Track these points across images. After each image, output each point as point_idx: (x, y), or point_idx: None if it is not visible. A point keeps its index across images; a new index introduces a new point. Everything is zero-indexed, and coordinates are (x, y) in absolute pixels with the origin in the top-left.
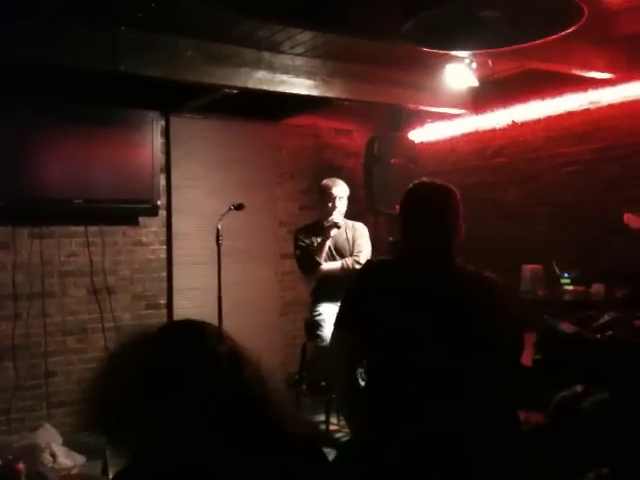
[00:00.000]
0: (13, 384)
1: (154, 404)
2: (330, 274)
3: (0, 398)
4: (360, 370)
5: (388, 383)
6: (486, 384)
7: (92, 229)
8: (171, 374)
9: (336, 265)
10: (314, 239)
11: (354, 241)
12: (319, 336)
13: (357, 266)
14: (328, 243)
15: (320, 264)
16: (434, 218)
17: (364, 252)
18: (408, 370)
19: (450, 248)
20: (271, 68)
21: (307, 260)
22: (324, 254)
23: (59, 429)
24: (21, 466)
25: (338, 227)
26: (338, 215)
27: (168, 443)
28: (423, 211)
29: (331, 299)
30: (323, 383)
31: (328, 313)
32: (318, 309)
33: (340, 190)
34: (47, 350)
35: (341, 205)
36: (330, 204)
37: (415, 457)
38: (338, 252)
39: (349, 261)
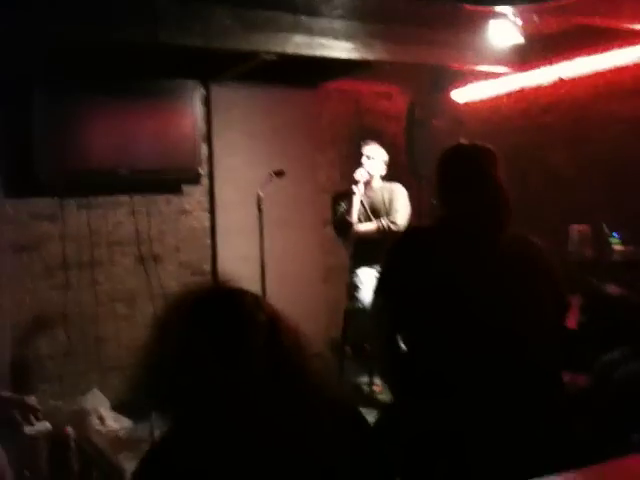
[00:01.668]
0: (65, 350)
1: (193, 371)
2: (366, 235)
3: (53, 364)
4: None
5: (428, 357)
6: (531, 350)
7: (137, 198)
8: (209, 341)
9: (371, 226)
10: (350, 202)
11: (390, 202)
12: (356, 298)
13: (393, 227)
14: (356, 201)
15: (352, 224)
16: (476, 181)
17: (400, 213)
18: (448, 340)
19: (496, 213)
20: (309, 32)
21: (339, 221)
22: (355, 213)
23: (110, 394)
24: (69, 430)
25: (357, 184)
26: (361, 173)
27: (206, 412)
28: (465, 174)
29: (368, 262)
30: (366, 346)
31: (364, 276)
32: (356, 272)
33: (370, 150)
34: (97, 317)
35: (370, 165)
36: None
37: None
38: (374, 213)
39: (384, 222)
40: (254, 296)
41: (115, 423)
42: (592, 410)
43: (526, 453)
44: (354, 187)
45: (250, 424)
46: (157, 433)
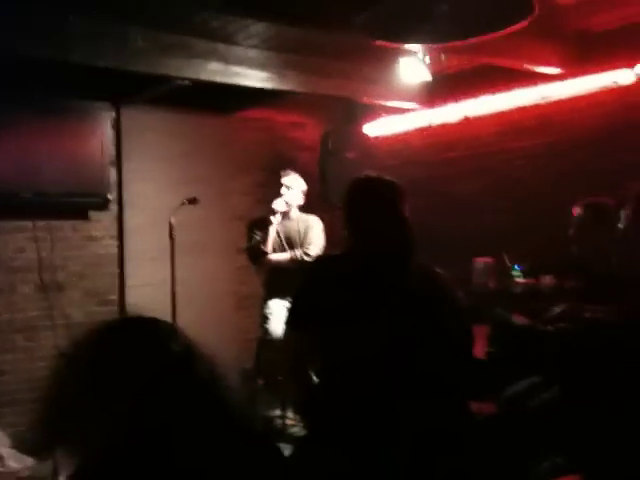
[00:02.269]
0: None
1: (104, 404)
2: (279, 265)
3: None
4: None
5: (341, 383)
6: (437, 380)
7: (40, 224)
8: (122, 373)
9: (285, 256)
10: (265, 231)
11: (305, 233)
12: (266, 329)
13: (306, 258)
14: (272, 231)
15: (266, 253)
16: (382, 211)
17: (314, 244)
18: (358, 371)
19: (401, 244)
20: (224, 59)
21: (254, 250)
22: (270, 243)
23: (8, 429)
24: None
25: (275, 213)
26: (279, 203)
27: (120, 445)
28: (371, 204)
29: (280, 293)
30: (279, 378)
31: (276, 306)
32: (268, 303)
33: (289, 180)
34: None
35: (288, 194)
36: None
37: (372, 459)
38: (289, 244)
39: (298, 252)
40: (168, 325)
41: (16, 463)
42: (500, 437)
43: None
44: (272, 217)
45: (165, 459)
46: (61, 471)
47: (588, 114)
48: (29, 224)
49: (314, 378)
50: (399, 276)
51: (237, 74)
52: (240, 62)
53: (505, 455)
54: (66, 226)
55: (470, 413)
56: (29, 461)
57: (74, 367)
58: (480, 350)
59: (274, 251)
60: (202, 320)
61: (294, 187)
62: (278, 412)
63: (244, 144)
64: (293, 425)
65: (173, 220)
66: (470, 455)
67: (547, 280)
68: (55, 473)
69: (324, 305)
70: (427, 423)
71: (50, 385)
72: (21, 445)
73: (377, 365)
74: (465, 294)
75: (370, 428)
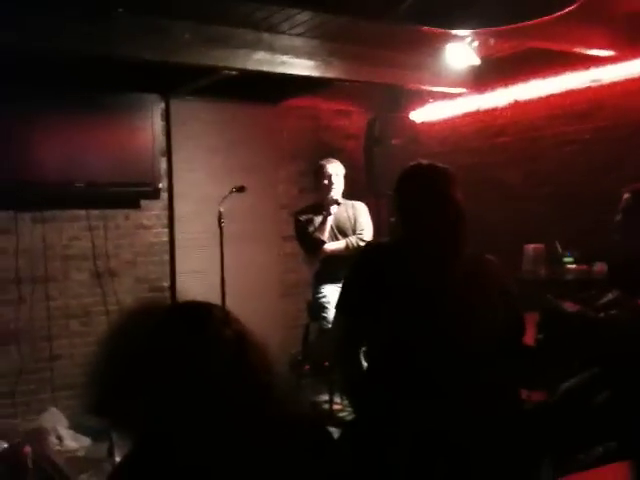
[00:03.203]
0: (18, 368)
1: (156, 388)
2: (334, 254)
3: (5, 382)
4: (364, 349)
5: (389, 370)
6: (487, 370)
7: (94, 213)
8: (175, 357)
9: (340, 244)
10: (315, 219)
11: (355, 219)
12: (324, 318)
13: (362, 244)
14: (330, 221)
15: (324, 242)
16: (435, 198)
17: (367, 230)
18: (407, 360)
19: (454, 232)
20: (270, 49)
21: (310, 240)
22: (327, 232)
23: (64, 412)
24: (28, 449)
25: (338, 204)
26: (337, 192)
27: (171, 429)
28: (424, 191)
29: (334, 280)
30: (326, 364)
31: (332, 295)
32: (322, 291)
33: (334, 168)
34: (51, 334)
35: (337, 182)
36: (326, 182)
37: (417, 454)
38: (340, 231)
39: (353, 239)
40: (222, 311)
41: (73, 442)
42: (551, 425)
43: (484, 469)
44: (330, 207)
45: (214, 442)
46: (117, 451)
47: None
48: (83, 213)
49: (364, 363)
50: (451, 264)
51: (283, 63)
52: (286, 51)
53: (555, 441)
54: (119, 215)
55: (520, 400)
56: (86, 441)
57: (128, 349)
58: (530, 338)
59: (326, 240)
60: (249, 306)
61: (340, 173)
62: (325, 397)
63: (289, 133)
64: (340, 410)
65: (221, 208)
66: (508, 441)
67: (599, 267)
68: (110, 454)
69: (375, 291)
70: (477, 409)
71: (100, 367)
72: (78, 426)
73: (427, 351)
74: (516, 281)
75: (420, 412)
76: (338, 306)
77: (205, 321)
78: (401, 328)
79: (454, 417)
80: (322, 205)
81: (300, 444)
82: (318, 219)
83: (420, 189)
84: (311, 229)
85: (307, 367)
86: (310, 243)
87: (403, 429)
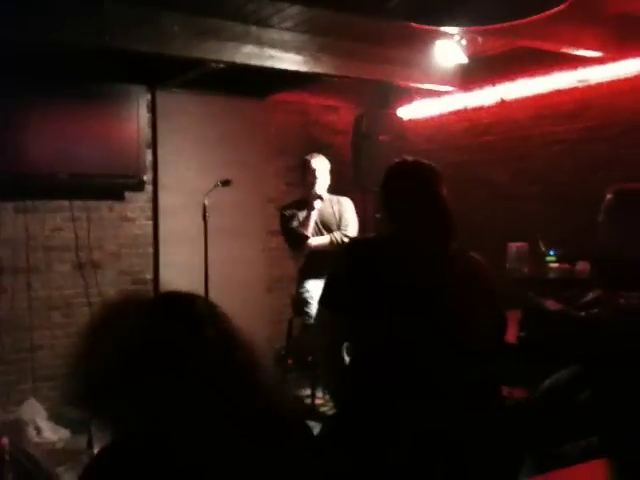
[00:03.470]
0: None
1: (137, 380)
2: (318, 249)
3: None
4: (346, 344)
5: (388, 370)
6: (470, 364)
7: (77, 204)
8: (155, 349)
9: (324, 240)
10: (300, 214)
11: (341, 215)
12: (307, 313)
13: (346, 240)
14: (313, 216)
15: (308, 237)
16: (421, 194)
17: (351, 226)
18: (407, 359)
19: (440, 229)
20: (259, 43)
21: (294, 235)
22: (311, 227)
23: (44, 403)
24: (5, 441)
25: (321, 199)
26: (320, 187)
27: (152, 421)
28: (410, 187)
29: (318, 276)
30: (309, 358)
31: (315, 290)
32: (305, 286)
33: (318, 163)
34: (32, 324)
35: (321, 178)
36: (310, 177)
37: (417, 454)
38: (325, 227)
39: (337, 235)
40: (205, 300)
41: (52, 434)
42: (532, 421)
43: (482, 469)
44: (315, 202)
45: (199, 434)
46: (95, 443)
47: (627, 99)
48: (66, 204)
49: (346, 358)
50: (437, 260)
51: (271, 57)
52: (275, 45)
53: (536, 437)
54: (102, 206)
55: (501, 397)
56: (65, 433)
57: (110, 341)
58: (512, 335)
59: (311, 235)
60: (234, 300)
61: (325, 168)
62: (308, 392)
63: (277, 127)
64: (322, 404)
65: (206, 202)
66: (499, 438)
67: (581, 266)
68: (90, 445)
69: (360, 287)
70: (475, 408)
71: (80, 358)
72: (57, 418)
73: (427, 350)
74: (499, 279)
75: (420, 412)
76: (322, 300)
77: (188, 313)
78: (401, 327)
79: (454, 417)
80: (307, 200)
81: (290, 440)
82: (302, 214)
83: (410, 186)
84: (295, 224)
85: (290, 362)
86: (294, 238)
87: (403, 429)
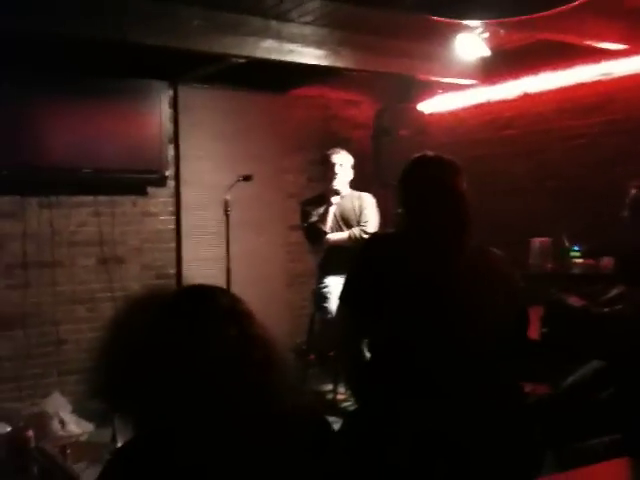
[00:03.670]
0: (24, 352)
1: (158, 375)
2: (337, 244)
3: (11, 366)
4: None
5: (391, 368)
6: (490, 368)
7: (101, 199)
8: (179, 345)
9: (343, 235)
10: (320, 210)
11: (360, 211)
12: (325, 308)
13: (365, 236)
14: (332, 211)
15: (326, 233)
16: (440, 190)
17: (371, 222)
18: (410, 358)
19: (458, 224)
20: (279, 37)
21: (313, 230)
22: (329, 223)
23: (69, 397)
24: (30, 433)
25: (339, 194)
26: (339, 182)
27: (171, 419)
28: (429, 183)
29: (337, 272)
30: (331, 353)
31: (334, 285)
32: (324, 281)
33: (339, 158)
34: (57, 319)
35: (342, 173)
36: (330, 172)
37: (417, 454)
38: (345, 222)
39: (356, 231)
40: (227, 292)
41: (76, 427)
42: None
43: (487, 463)
44: (332, 198)
45: (218, 429)
46: (119, 437)
47: None
48: (90, 199)
49: (366, 354)
50: (447, 256)
51: (292, 52)
52: (295, 39)
53: (559, 433)
54: (126, 202)
55: (523, 393)
56: (89, 427)
57: (133, 336)
58: (535, 331)
59: (330, 230)
60: (255, 295)
61: (345, 164)
62: (329, 387)
63: (298, 122)
64: (344, 400)
65: (228, 197)
66: (510, 438)
67: (606, 262)
68: (114, 439)
69: (368, 286)
70: (480, 409)
71: (106, 352)
72: (82, 411)
73: (430, 349)
74: (522, 275)
75: (420, 412)
76: (341, 297)
77: (212, 308)
78: (403, 325)
79: (455, 417)
80: (327, 195)
81: (299, 442)
82: (321, 209)
83: (425, 181)
84: (314, 219)
85: (312, 357)
86: (312, 233)
87: (403, 429)
